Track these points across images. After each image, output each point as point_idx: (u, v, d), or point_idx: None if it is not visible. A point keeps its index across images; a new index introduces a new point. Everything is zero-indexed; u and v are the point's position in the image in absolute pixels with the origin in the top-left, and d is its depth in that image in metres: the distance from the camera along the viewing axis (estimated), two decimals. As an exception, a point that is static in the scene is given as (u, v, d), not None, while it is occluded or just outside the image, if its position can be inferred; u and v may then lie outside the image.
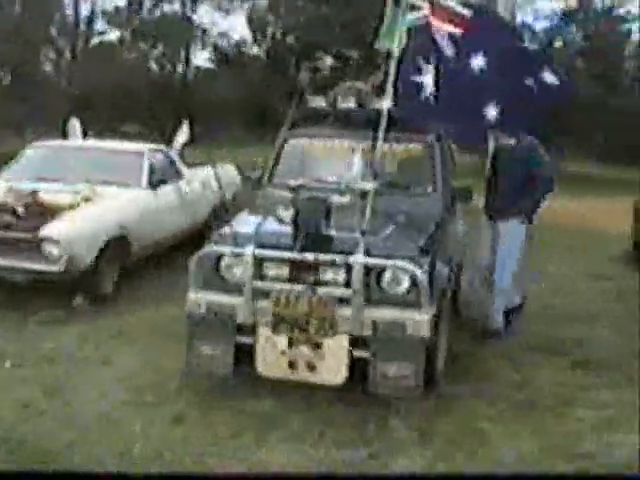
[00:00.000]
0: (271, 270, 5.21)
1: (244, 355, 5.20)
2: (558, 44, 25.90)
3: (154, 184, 8.59)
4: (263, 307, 5.11)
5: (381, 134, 5.55)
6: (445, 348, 5.73)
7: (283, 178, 6.42)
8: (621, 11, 26.77)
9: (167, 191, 8.87)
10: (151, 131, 24.13)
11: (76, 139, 9.81)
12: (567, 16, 26.75)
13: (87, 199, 7.75)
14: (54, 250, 6.88)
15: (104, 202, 7.75)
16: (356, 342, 5.06)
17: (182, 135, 9.81)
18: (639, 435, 4.77)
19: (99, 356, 6.07)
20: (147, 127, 25.53)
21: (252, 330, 5.18)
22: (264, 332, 5.13)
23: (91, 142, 9.51)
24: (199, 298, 5.25)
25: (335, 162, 6.48)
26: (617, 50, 25.97)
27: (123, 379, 5.60)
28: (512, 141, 6.63)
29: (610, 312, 7.65)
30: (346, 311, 5.03)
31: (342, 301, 5.04)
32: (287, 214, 5.34)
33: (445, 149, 6.72)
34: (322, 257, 5.05)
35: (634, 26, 26.54)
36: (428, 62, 5.13)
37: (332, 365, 5.03)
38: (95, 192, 7.85)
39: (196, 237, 9.17)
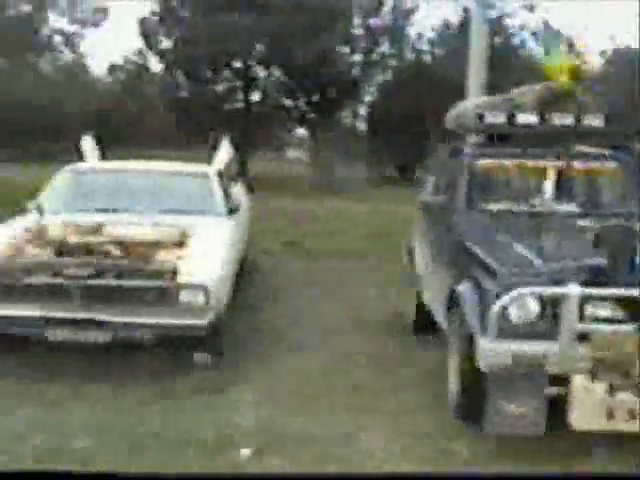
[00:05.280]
0: (591, 309, 4.45)
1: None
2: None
3: (230, 211, 7.45)
4: (581, 352, 4.36)
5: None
6: None
7: (484, 203, 5.72)
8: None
9: (238, 218, 7.74)
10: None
11: (94, 160, 8.43)
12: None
13: (184, 233, 6.54)
14: (200, 299, 5.65)
15: (209, 236, 6.54)
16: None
17: (224, 152, 8.64)
18: None
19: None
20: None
21: (562, 380, 4.43)
22: (580, 381, 4.38)
23: (141, 164, 8.18)
24: (502, 348, 4.39)
25: (528, 184, 5.87)
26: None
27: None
28: None
29: None
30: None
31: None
32: (582, 244, 4.65)
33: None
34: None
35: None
36: None
37: (655, 410, 4.41)
38: (189, 225, 6.65)
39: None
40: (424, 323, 6.63)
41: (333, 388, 5.67)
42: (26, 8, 22.54)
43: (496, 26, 24.64)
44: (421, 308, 6.66)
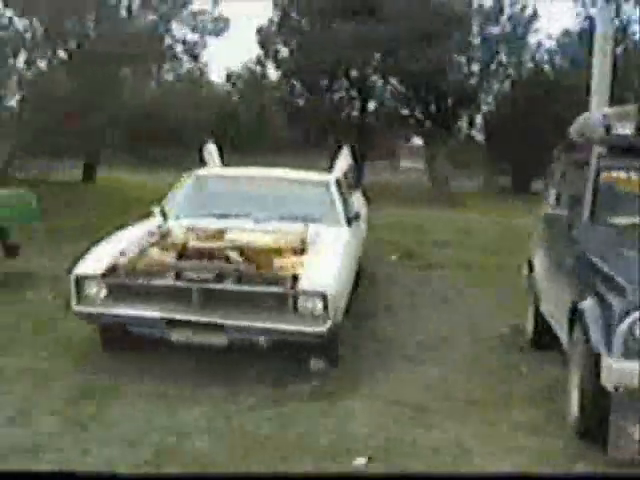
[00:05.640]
0: None
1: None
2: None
3: (349, 219, 7.48)
4: None
5: None
6: None
7: (610, 217, 5.59)
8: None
9: (356, 227, 7.75)
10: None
11: (216, 166, 8.63)
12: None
13: (303, 241, 6.62)
14: (318, 306, 5.68)
15: (328, 245, 6.57)
16: None
17: (344, 160, 8.69)
18: None
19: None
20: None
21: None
22: None
23: (261, 171, 8.38)
24: (628, 368, 4.24)
25: None
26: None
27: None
28: None
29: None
30: None
31: None
32: None
33: None
34: None
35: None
36: None
37: None
38: (308, 233, 6.71)
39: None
40: (542, 337, 6.50)
41: (448, 400, 5.61)
42: (150, 18, 23.27)
43: (620, 34, 23.88)
44: (540, 321, 6.52)
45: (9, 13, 18.08)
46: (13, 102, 18.71)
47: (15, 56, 18.07)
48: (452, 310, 8.40)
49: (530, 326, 6.89)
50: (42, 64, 19.27)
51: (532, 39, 28.10)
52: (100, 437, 4.77)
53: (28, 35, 18.40)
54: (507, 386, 5.90)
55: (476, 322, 7.87)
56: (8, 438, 4.68)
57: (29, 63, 18.61)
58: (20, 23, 18.26)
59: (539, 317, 6.54)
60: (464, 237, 13.61)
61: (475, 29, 26.48)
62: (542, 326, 6.42)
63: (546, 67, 28.71)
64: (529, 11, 26.90)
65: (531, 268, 7.14)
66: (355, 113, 26.09)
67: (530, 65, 28.51)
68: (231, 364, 6.07)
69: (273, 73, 26.90)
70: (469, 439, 4.91)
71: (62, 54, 19.77)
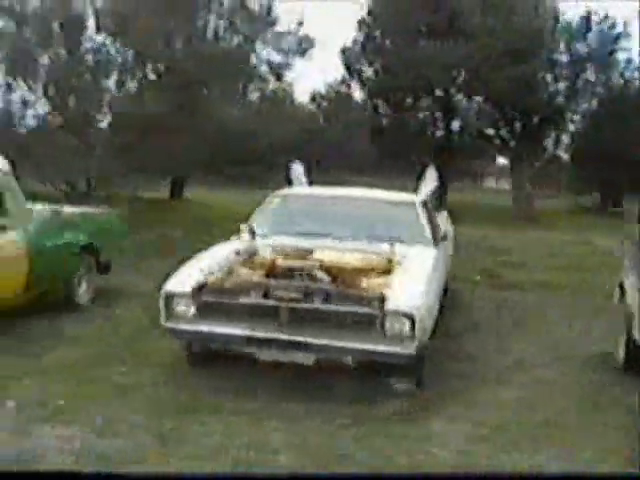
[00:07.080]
0: None
1: None
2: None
3: (436, 240, 7.44)
4: None
5: None
6: None
7: None
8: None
9: (443, 247, 7.71)
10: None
11: (302, 185, 8.72)
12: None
13: (390, 261, 6.61)
14: (406, 328, 5.65)
15: (416, 265, 6.54)
16: None
17: (430, 181, 8.66)
18: None
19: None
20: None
21: None
22: None
23: (348, 190, 8.44)
24: None
25: None
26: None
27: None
28: None
29: None
30: None
31: None
32: None
33: None
34: None
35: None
36: None
37: None
38: (395, 253, 6.69)
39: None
40: (635, 361, 6.32)
41: (530, 423, 5.48)
42: (236, 40, 23.62)
43: None
44: (632, 345, 6.35)
45: (101, 37, 18.63)
46: (104, 122, 19.18)
47: (107, 77, 18.60)
48: (536, 332, 8.28)
49: (621, 351, 6.71)
50: (132, 85, 19.73)
51: (621, 56, 27.49)
52: (180, 450, 4.82)
53: (119, 57, 18.91)
54: (592, 411, 5.75)
55: (560, 345, 7.72)
56: (94, 448, 4.77)
57: (119, 84, 19.11)
58: (112, 46, 18.79)
59: (631, 343, 6.36)
60: (549, 258, 13.40)
61: (562, 46, 26.06)
62: (635, 352, 6.25)
63: (635, 84, 28.02)
64: (618, 28, 26.36)
65: (623, 291, 6.96)
66: (439, 132, 26.00)
67: (619, 82, 27.88)
68: (313, 381, 6.07)
69: (358, 93, 27.04)
70: (551, 464, 4.79)
71: (151, 75, 20.23)
